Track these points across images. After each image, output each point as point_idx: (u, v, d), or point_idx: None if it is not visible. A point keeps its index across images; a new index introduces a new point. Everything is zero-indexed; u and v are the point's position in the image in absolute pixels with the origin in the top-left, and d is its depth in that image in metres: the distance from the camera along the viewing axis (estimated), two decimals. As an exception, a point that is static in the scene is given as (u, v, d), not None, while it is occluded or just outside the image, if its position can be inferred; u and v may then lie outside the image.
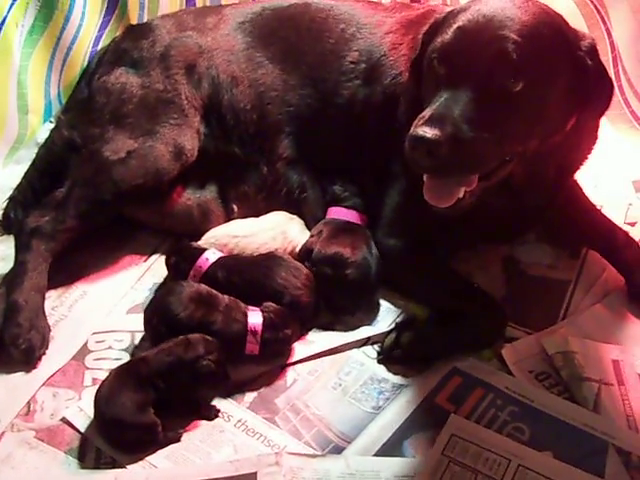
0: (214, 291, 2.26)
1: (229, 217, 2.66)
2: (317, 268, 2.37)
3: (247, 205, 2.67)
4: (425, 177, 2.04)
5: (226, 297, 2.24)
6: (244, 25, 2.72)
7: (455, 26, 2.01)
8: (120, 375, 2.05)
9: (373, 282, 2.39)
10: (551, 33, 2.00)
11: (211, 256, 2.39)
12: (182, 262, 2.42)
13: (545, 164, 2.18)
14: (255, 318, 2.20)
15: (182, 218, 2.65)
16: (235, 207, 2.67)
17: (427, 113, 1.94)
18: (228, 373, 2.10)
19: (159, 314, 2.22)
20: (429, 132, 1.89)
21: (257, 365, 2.21)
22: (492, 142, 1.96)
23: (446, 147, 1.89)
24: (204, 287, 2.26)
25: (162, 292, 2.30)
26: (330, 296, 2.37)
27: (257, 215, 2.63)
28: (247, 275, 2.35)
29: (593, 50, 2.06)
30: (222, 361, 2.08)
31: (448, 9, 2.15)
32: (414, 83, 2.21)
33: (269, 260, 2.38)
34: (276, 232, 2.51)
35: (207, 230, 2.59)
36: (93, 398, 2.04)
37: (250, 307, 2.24)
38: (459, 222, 2.17)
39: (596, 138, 2.30)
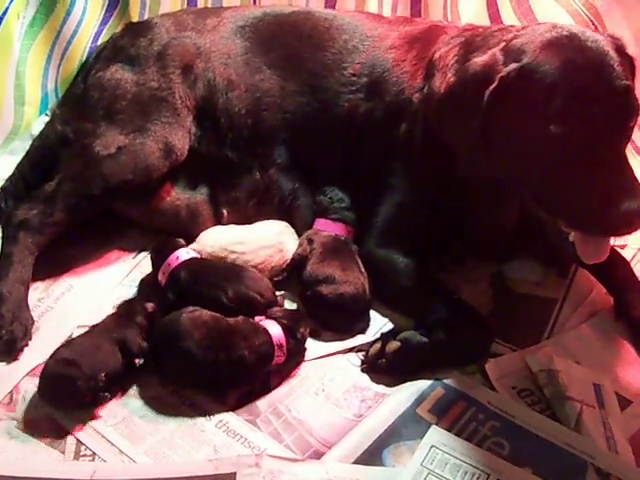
0: (218, 315, 2.18)
1: (218, 221, 2.65)
2: (311, 290, 2.37)
3: (237, 211, 2.66)
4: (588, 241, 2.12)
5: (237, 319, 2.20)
6: (244, 30, 2.72)
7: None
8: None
9: (368, 300, 2.38)
10: None
11: (183, 255, 2.37)
12: (157, 256, 2.42)
13: None
14: (275, 329, 2.17)
15: (169, 217, 2.64)
16: (225, 212, 2.65)
17: (622, 185, 1.99)
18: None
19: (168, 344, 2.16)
20: None
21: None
22: None
23: None
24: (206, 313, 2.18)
25: (169, 320, 2.19)
26: (326, 316, 2.36)
27: (247, 222, 2.60)
28: (210, 289, 2.31)
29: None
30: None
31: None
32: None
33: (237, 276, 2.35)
34: (275, 250, 2.48)
35: (195, 232, 2.57)
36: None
37: (260, 319, 2.23)
38: (452, 237, 2.16)
39: None
